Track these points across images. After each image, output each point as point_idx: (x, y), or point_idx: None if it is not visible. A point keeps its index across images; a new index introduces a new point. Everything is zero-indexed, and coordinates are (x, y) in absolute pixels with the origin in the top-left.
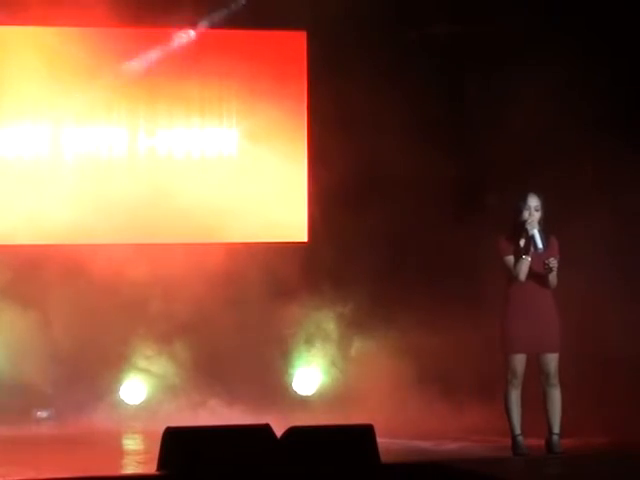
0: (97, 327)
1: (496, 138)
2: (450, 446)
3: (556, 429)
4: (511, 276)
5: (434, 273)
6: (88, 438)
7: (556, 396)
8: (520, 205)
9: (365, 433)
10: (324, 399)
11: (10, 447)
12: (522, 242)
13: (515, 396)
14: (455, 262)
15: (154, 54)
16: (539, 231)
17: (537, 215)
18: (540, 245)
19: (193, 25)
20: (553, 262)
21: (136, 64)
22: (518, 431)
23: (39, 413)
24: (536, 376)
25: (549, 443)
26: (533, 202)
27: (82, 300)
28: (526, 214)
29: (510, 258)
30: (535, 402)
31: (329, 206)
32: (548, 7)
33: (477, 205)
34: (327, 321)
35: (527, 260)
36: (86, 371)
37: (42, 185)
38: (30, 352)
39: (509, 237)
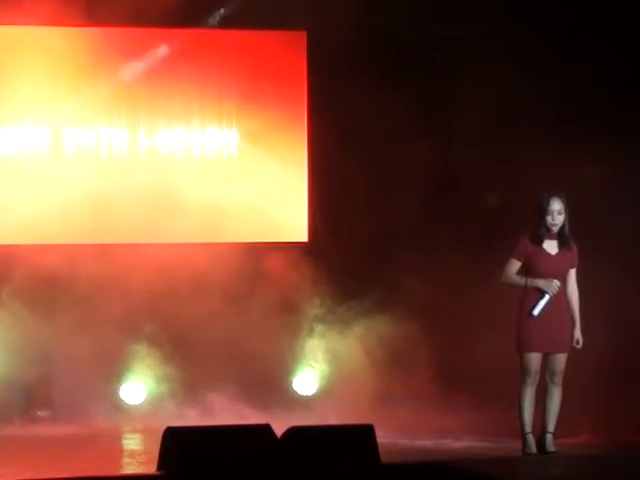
0: (97, 326)
1: (498, 139)
2: (451, 446)
3: (551, 428)
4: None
5: (434, 273)
6: (88, 438)
7: (557, 395)
8: (543, 207)
9: (365, 433)
10: (324, 399)
11: (10, 447)
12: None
13: (530, 395)
14: (455, 262)
15: (154, 54)
16: (550, 298)
17: (560, 218)
18: (537, 312)
19: (192, 25)
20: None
21: (136, 64)
22: (528, 429)
23: (39, 413)
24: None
25: (542, 441)
26: (556, 206)
27: (82, 299)
28: (549, 218)
29: (515, 262)
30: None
31: (329, 206)
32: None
33: (478, 206)
34: (327, 321)
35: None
36: (86, 371)
37: (42, 185)
38: (30, 352)
39: (532, 237)
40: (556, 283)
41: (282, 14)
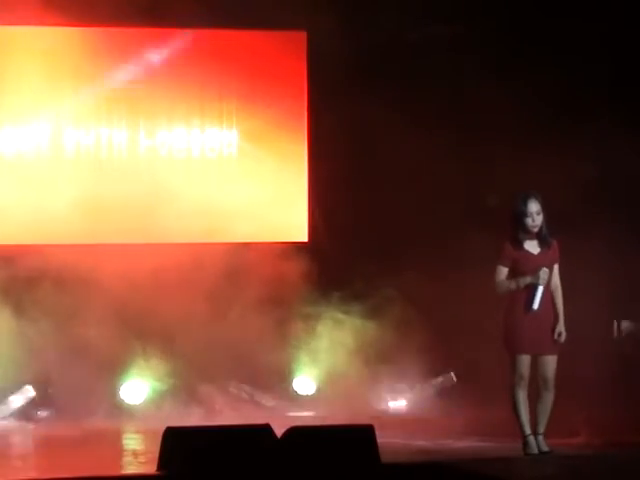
0: (97, 326)
1: (498, 138)
2: (451, 446)
3: (542, 429)
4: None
5: (435, 273)
6: (88, 438)
7: (549, 399)
8: (521, 210)
9: (365, 433)
10: (324, 399)
11: (10, 447)
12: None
13: (523, 397)
14: (457, 261)
15: (154, 54)
16: (543, 289)
17: (540, 219)
18: (536, 305)
19: (193, 25)
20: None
21: (136, 64)
22: (528, 431)
23: (39, 413)
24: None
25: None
26: (534, 207)
27: (83, 299)
28: (529, 221)
29: (502, 269)
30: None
31: (329, 206)
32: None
33: (478, 206)
34: (327, 321)
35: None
36: (86, 371)
37: (42, 185)
38: (30, 352)
39: (513, 242)
40: (544, 271)
41: (282, 14)
